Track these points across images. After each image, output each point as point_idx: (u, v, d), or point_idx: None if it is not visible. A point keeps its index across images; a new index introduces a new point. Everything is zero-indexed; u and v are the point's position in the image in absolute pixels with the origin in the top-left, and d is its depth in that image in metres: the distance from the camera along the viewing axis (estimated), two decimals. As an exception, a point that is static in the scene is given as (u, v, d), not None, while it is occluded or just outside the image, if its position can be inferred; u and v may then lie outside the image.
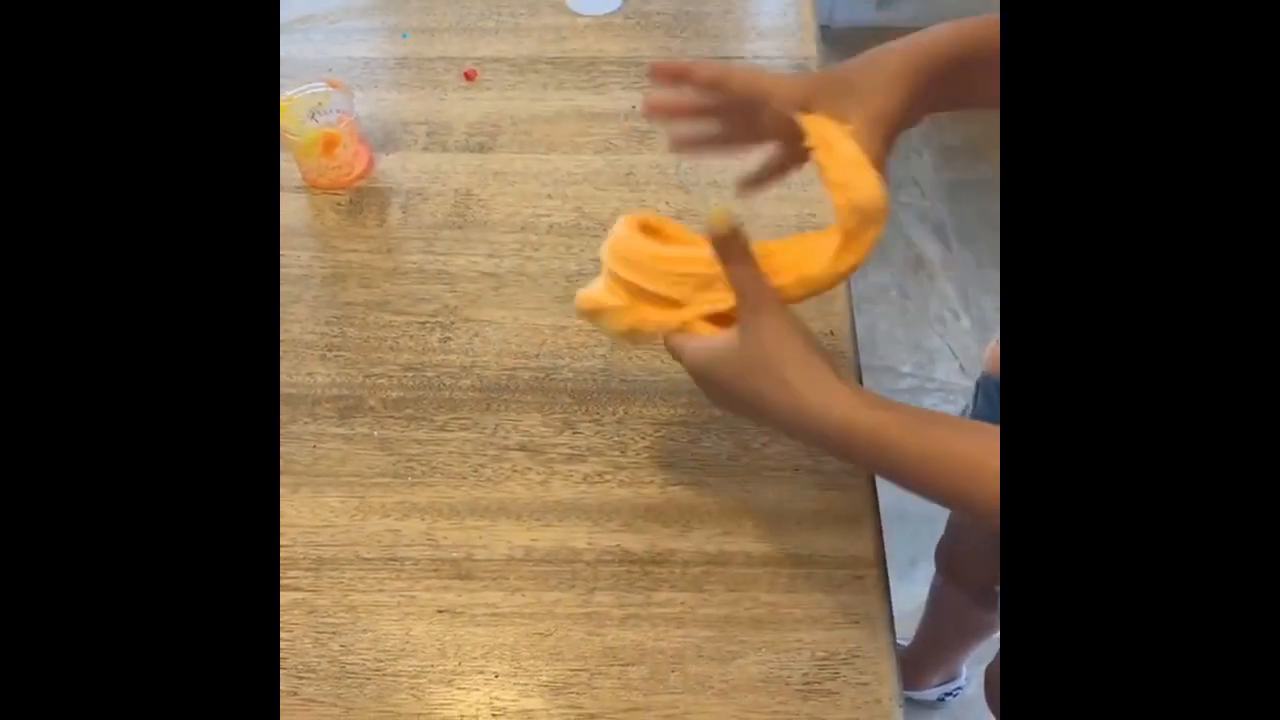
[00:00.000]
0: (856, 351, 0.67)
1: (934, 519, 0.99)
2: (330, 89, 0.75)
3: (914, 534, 1.10)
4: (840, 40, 2.11)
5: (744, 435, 0.62)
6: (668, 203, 0.75)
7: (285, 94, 0.74)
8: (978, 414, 0.81)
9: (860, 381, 0.65)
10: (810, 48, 0.87)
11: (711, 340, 0.48)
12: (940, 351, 1.59)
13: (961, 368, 1.56)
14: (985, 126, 1.92)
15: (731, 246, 0.46)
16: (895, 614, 0.55)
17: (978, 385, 0.86)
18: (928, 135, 1.91)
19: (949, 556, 0.97)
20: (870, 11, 2.11)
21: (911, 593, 1.17)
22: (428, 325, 0.68)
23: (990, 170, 1.85)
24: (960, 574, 0.95)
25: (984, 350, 0.75)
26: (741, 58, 0.86)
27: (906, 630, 1.16)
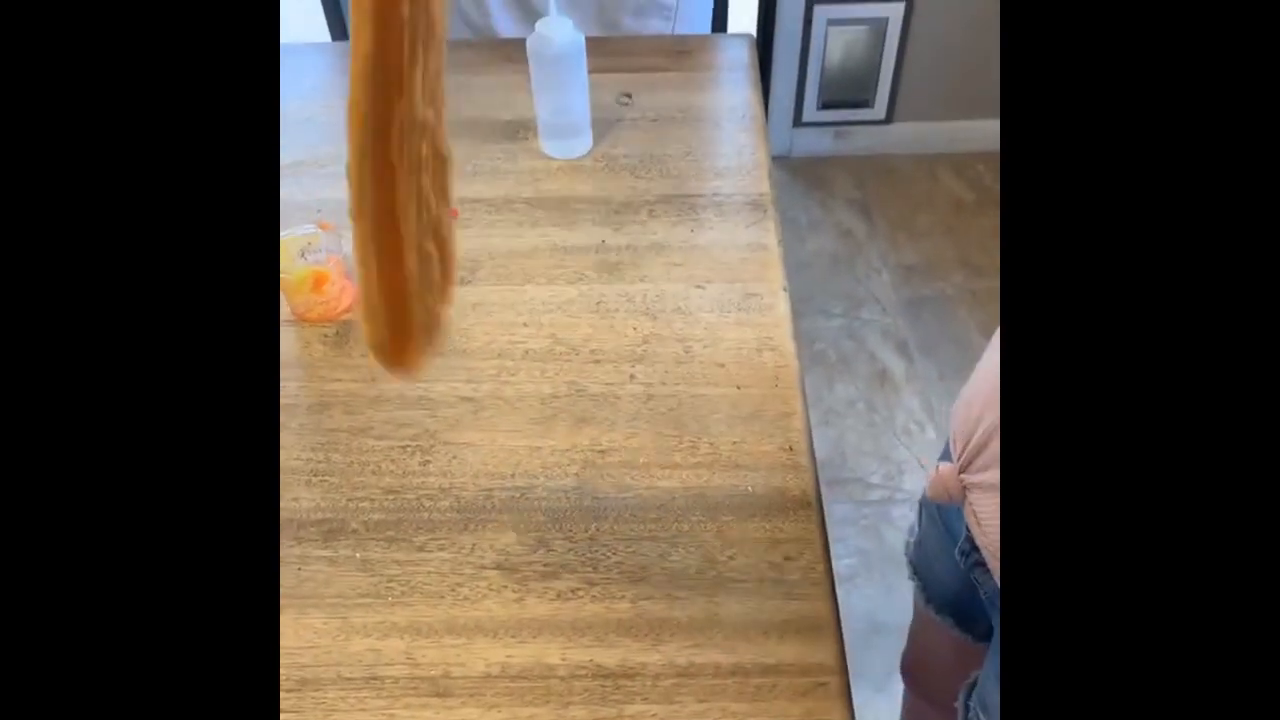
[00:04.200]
0: (815, 468, 0.71)
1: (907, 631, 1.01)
2: (320, 230, 0.80)
3: (889, 647, 1.11)
4: (800, 169, 2.24)
5: (711, 550, 0.65)
6: (634, 328, 0.80)
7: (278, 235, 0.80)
8: (923, 534, 0.84)
9: (821, 497, 0.69)
10: (764, 185, 0.95)
11: None
12: (908, 463, 1.63)
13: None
14: (941, 246, 2.02)
15: None
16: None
17: (921, 505, 0.90)
18: (885, 255, 2.01)
19: (913, 669, 0.99)
20: (828, 142, 2.25)
21: (890, 705, 1.17)
22: (408, 449, 0.71)
23: (947, 287, 1.94)
24: (924, 685, 0.96)
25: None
26: (701, 195, 0.94)
27: (886, 744, 1.16)
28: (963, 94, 2.15)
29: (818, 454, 0.73)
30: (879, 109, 2.19)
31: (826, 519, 0.68)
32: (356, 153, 0.41)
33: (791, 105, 2.18)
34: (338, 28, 1.95)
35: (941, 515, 0.77)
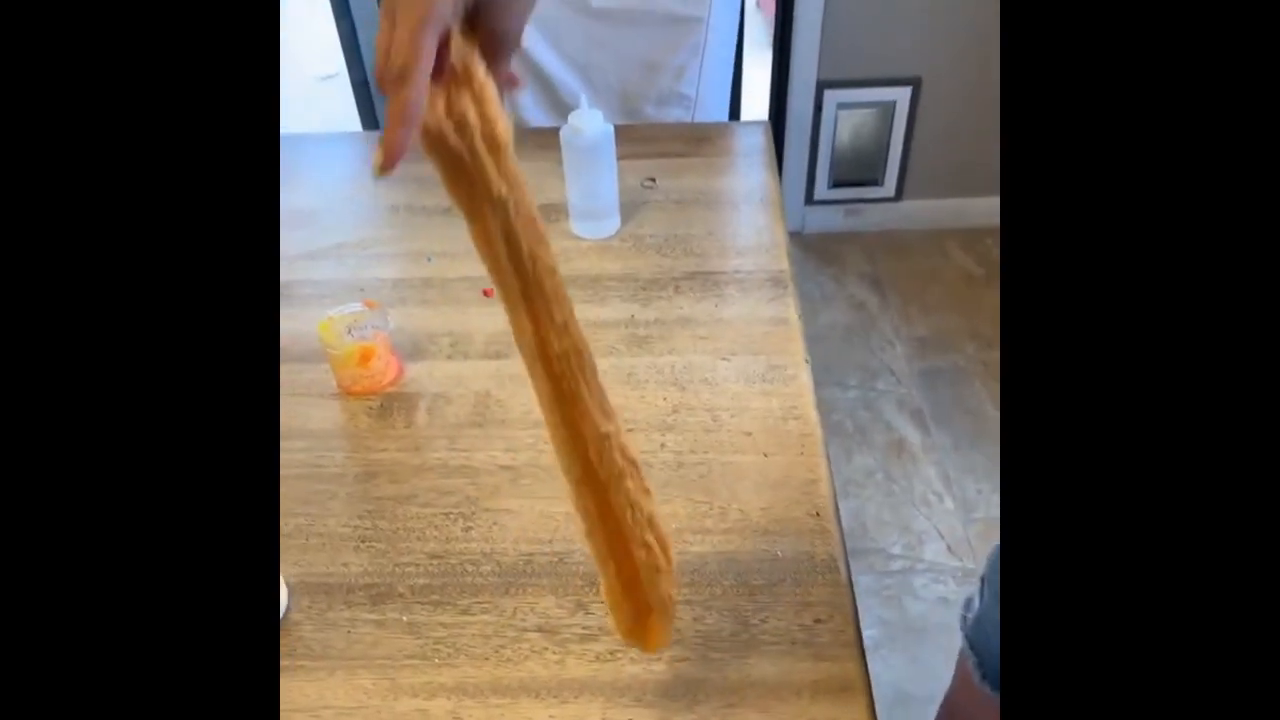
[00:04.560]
0: (841, 533, 0.73)
1: (935, 700, 1.02)
2: (366, 308, 0.85)
3: (916, 717, 1.11)
4: (813, 245, 2.31)
5: (743, 613, 0.67)
6: (664, 399, 0.84)
7: (326, 314, 0.84)
8: (984, 611, 0.84)
9: (849, 565, 0.72)
10: (783, 262, 1.00)
11: None
12: (928, 533, 1.64)
13: (949, 548, 1.61)
14: (952, 319, 2.07)
15: None
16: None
17: (983, 581, 0.90)
18: (898, 329, 2.05)
19: None
20: (839, 219, 2.31)
21: (916, 777, 1.17)
22: (451, 516, 0.75)
23: (959, 359, 1.98)
24: None
25: (982, 544, 0.79)
26: (724, 272, 0.98)
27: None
28: (969, 172, 2.23)
29: (842, 520, 0.75)
30: (888, 187, 2.26)
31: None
32: (570, 479, 0.50)
33: (804, 184, 2.26)
34: (369, 118, 2.05)
35: None
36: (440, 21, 0.42)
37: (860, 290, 2.17)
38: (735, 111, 1.60)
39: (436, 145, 0.44)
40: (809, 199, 2.28)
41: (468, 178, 0.44)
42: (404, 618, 0.68)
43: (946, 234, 2.30)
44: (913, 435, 1.81)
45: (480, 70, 0.44)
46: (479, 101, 0.44)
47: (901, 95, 2.12)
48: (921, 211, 2.29)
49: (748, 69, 1.69)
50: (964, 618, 0.88)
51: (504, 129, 0.44)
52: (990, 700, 0.84)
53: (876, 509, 1.68)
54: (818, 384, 0.87)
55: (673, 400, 0.84)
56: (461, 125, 0.43)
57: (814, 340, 2.18)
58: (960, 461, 1.75)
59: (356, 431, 0.82)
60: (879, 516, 1.67)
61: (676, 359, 0.88)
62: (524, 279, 0.46)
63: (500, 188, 0.44)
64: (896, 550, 1.61)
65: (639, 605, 0.54)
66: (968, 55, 2.05)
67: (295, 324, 0.93)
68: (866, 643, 0.75)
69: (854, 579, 0.71)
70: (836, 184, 2.26)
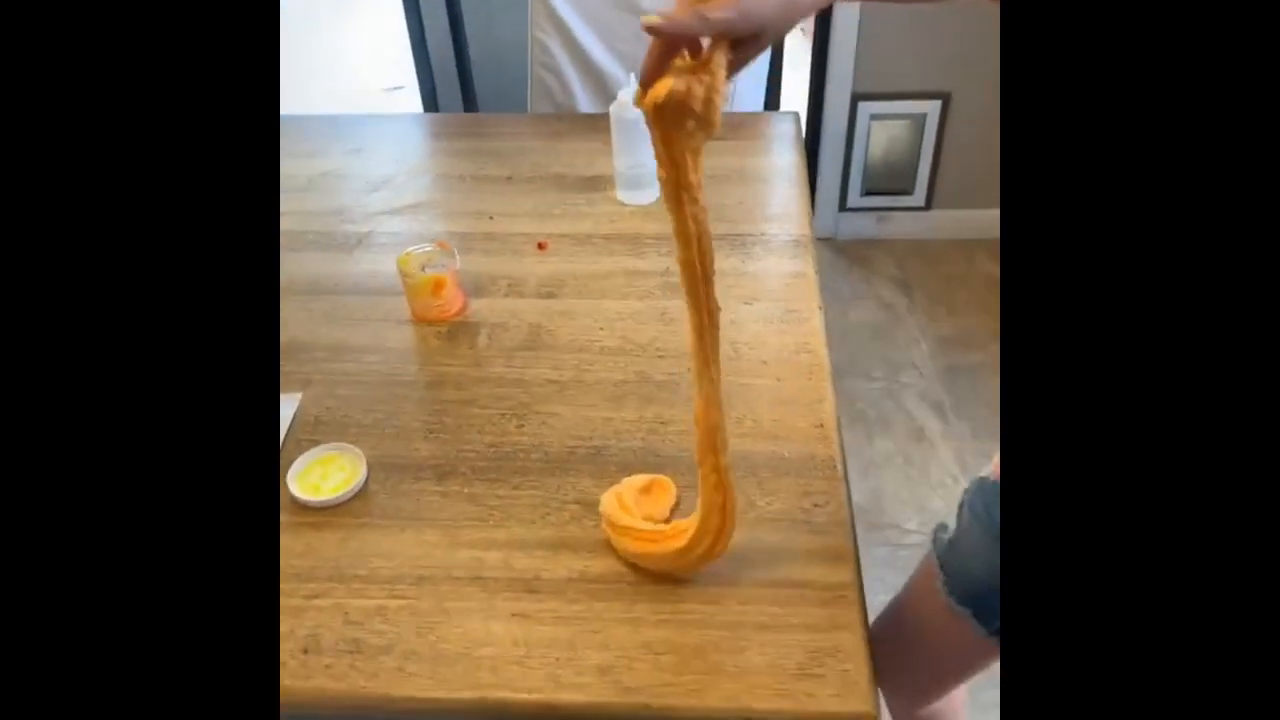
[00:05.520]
0: (841, 442, 0.84)
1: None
2: (438, 248, 0.99)
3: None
4: (845, 249, 2.42)
5: (751, 494, 0.79)
6: (693, 335, 0.96)
7: (405, 250, 0.98)
8: (959, 535, 0.91)
9: (846, 466, 0.82)
10: (806, 228, 1.12)
11: None
12: (943, 512, 1.73)
13: (963, 526, 1.70)
14: (977, 321, 2.16)
15: None
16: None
17: (965, 507, 0.96)
18: (924, 328, 2.15)
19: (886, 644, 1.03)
20: (871, 225, 2.42)
21: None
22: (506, 416, 0.87)
23: (982, 357, 2.07)
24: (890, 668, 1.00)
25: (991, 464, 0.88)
26: (751, 234, 1.11)
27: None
28: (996, 184, 2.33)
29: (856, 501, 0.86)
30: (918, 196, 2.37)
31: (862, 559, 0.77)
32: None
33: (837, 192, 2.37)
34: (430, 103, 2.24)
35: (990, 515, 0.86)
36: (730, 32, 0.54)
37: (889, 292, 2.27)
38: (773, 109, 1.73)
39: (667, 112, 0.55)
40: (842, 205, 2.40)
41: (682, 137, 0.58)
42: (465, 490, 0.80)
43: (974, 243, 2.39)
44: (933, 424, 1.91)
45: (724, 74, 0.55)
46: (712, 91, 0.55)
47: (932, 109, 2.23)
48: (950, 221, 2.39)
49: (787, 80, 1.82)
50: (938, 538, 0.96)
51: (717, 126, 0.57)
52: (949, 609, 0.92)
53: (894, 488, 1.77)
54: (843, 375, 0.98)
55: (700, 335, 0.96)
56: (692, 97, 0.55)
57: (842, 335, 2.29)
58: (978, 448, 1.84)
59: (427, 351, 0.96)
60: (896, 495, 1.76)
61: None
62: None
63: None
64: (911, 526, 1.70)
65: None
66: (995, 73, 2.16)
67: (375, 265, 1.07)
68: (879, 607, 0.84)
69: (871, 551, 0.80)
70: (868, 192, 2.37)
